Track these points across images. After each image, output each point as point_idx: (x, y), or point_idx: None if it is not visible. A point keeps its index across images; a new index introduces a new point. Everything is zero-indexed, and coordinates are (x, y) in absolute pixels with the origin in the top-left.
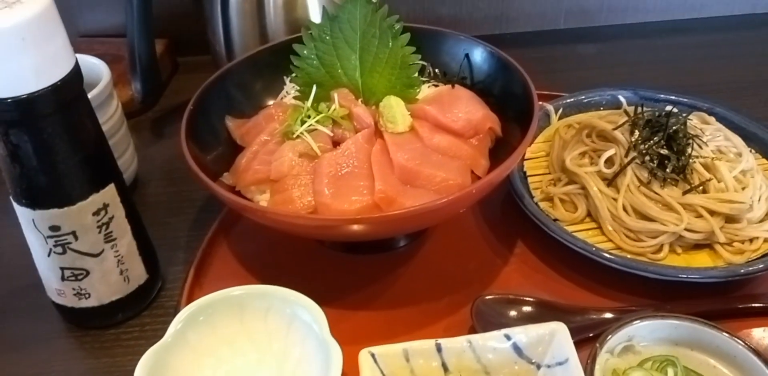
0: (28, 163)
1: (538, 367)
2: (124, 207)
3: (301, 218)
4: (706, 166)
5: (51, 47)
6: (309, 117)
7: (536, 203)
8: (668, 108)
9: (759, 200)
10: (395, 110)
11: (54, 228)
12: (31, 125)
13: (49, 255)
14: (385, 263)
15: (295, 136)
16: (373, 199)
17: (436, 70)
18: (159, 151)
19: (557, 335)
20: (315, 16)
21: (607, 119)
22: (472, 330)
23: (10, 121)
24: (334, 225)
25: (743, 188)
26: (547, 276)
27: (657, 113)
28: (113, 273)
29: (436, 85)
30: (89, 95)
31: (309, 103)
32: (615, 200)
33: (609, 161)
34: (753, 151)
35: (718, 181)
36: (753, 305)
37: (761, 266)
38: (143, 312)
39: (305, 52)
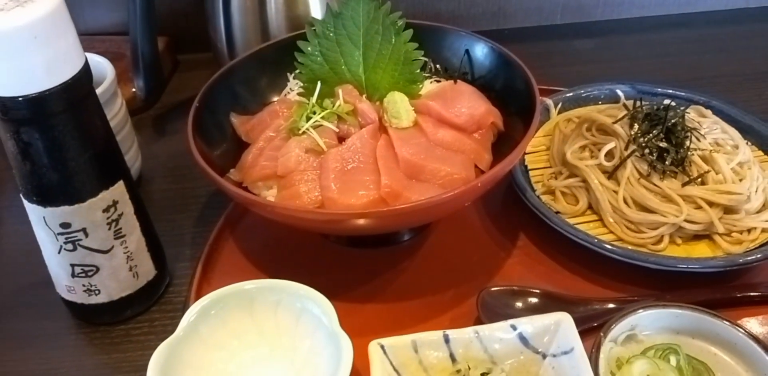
0: (39, 161)
1: (544, 356)
2: (133, 204)
3: (309, 213)
4: (704, 159)
5: (62, 45)
6: (314, 113)
7: (538, 196)
8: (666, 101)
9: (756, 191)
10: (399, 106)
11: (65, 225)
12: (42, 123)
13: (59, 252)
14: (390, 256)
15: (300, 132)
16: (380, 193)
17: (438, 66)
18: (162, 148)
19: (562, 324)
20: (316, 12)
21: (606, 113)
22: (478, 321)
23: (22, 119)
24: (342, 219)
25: (741, 180)
26: (549, 268)
27: (655, 107)
28: (123, 269)
29: (438, 81)
30: None
31: (314, 99)
32: (615, 192)
33: (609, 154)
34: (749, 143)
35: (716, 173)
36: (751, 293)
37: (759, 255)
38: (152, 308)
39: (309, 48)
